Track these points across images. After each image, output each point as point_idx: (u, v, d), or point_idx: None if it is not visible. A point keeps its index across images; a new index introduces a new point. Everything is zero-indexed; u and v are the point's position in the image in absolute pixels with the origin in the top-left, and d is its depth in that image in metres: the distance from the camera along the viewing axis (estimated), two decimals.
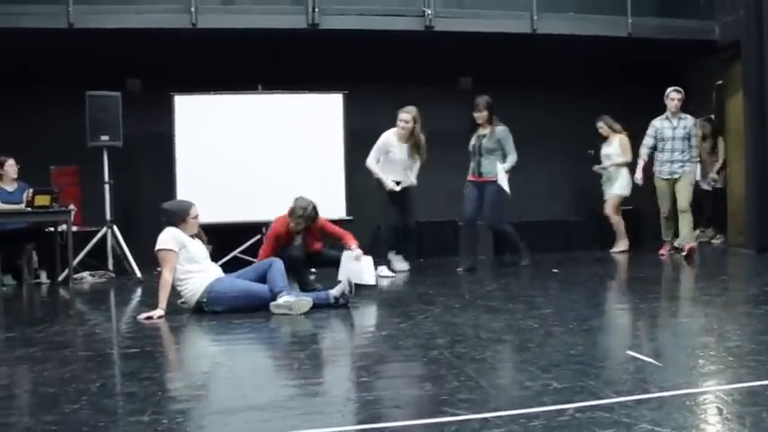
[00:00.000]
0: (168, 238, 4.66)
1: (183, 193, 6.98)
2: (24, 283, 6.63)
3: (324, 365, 3.35)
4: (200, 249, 4.79)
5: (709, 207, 8.67)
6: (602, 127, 8.27)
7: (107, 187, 7.15)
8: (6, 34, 6.86)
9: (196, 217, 4.83)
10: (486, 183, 6.69)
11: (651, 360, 2.98)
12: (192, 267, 4.66)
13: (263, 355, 3.64)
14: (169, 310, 4.57)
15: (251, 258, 6.66)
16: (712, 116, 8.63)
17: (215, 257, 5.11)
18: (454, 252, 7.73)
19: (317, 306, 4.58)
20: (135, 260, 6.98)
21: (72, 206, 6.77)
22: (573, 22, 8.17)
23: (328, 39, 7.83)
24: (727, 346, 3.27)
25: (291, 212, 5.35)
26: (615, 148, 8.17)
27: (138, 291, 6.17)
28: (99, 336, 4.14)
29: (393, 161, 6.70)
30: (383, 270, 6.35)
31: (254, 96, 7.93)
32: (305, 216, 5.33)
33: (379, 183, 6.66)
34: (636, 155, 7.79)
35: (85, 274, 6.89)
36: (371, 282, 5.41)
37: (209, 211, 5.40)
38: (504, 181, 6.62)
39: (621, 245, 8.09)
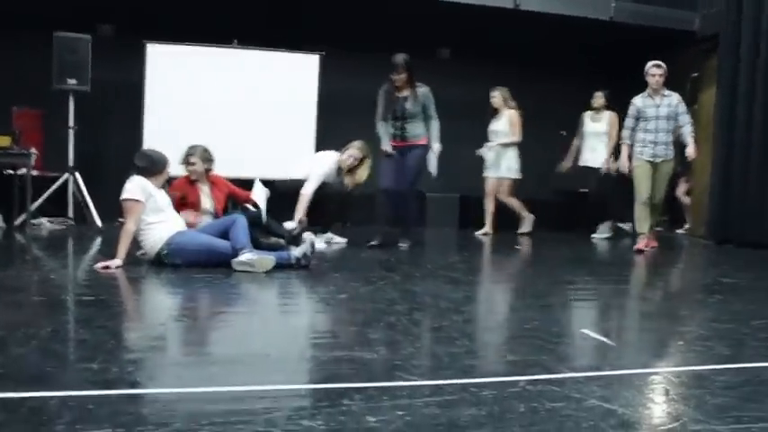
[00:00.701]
0: (135, 188, 4.56)
1: (149, 144, 6.85)
2: None
3: (280, 324, 3.34)
4: (165, 199, 4.73)
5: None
6: (495, 97, 7.76)
7: (71, 132, 7.00)
8: None
9: (168, 172, 4.79)
10: (412, 147, 6.22)
11: (604, 339, 3.02)
12: (155, 218, 4.59)
13: (220, 310, 3.61)
14: (128, 261, 4.50)
15: None
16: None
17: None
18: (420, 222, 7.78)
19: (278, 266, 4.55)
20: (96, 209, 6.87)
21: (33, 150, 6.61)
22: (555, 1, 8.15)
23: None
24: (679, 331, 3.34)
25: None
26: (504, 125, 7.73)
27: (98, 240, 6.08)
28: (53, 282, 4.07)
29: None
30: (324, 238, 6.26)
31: (229, 51, 7.81)
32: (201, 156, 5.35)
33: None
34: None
35: (44, 219, 6.78)
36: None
37: (176, 164, 5.30)
38: (433, 165, 6.25)
39: (527, 225, 7.87)
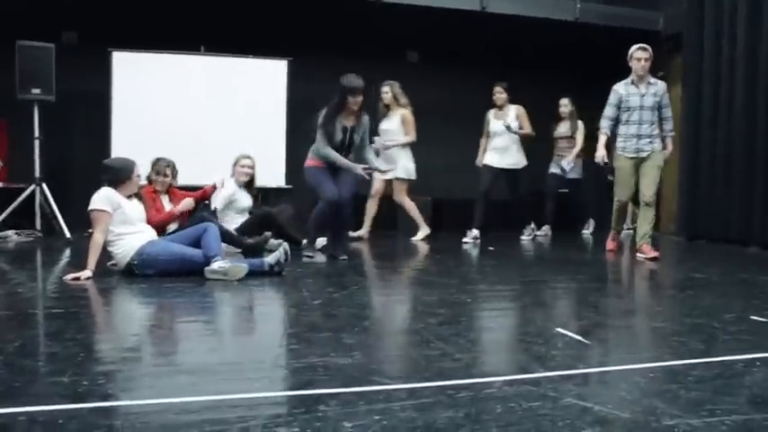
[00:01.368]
0: (101, 199, 4.50)
1: (117, 153, 6.77)
2: None
3: (254, 332, 3.31)
4: (136, 211, 4.66)
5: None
6: (386, 93, 7.30)
7: (36, 143, 6.88)
8: None
9: (138, 176, 4.71)
10: None
11: (579, 338, 3.04)
12: (125, 229, 4.53)
13: (193, 319, 3.56)
14: (98, 272, 4.44)
15: None
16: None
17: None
18: (393, 227, 7.79)
19: (251, 273, 4.52)
20: (65, 220, 6.77)
21: None
22: (522, 3, 8.21)
23: (274, 4, 7.68)
24: (653, 327, 3.37)
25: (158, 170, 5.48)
26: (396, 124, 7.32)
27: (67, 252, 5.98)
28: (21, 295, 3.98)
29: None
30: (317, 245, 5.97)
31: (196, 57, 7.76)
32: (173, 170, 5.51)
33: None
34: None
35: (10, 232, 6.66)
36: None
37: (144, 173, 5.25)
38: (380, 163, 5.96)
39: (423, 231, 7.45)
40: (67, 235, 6.64)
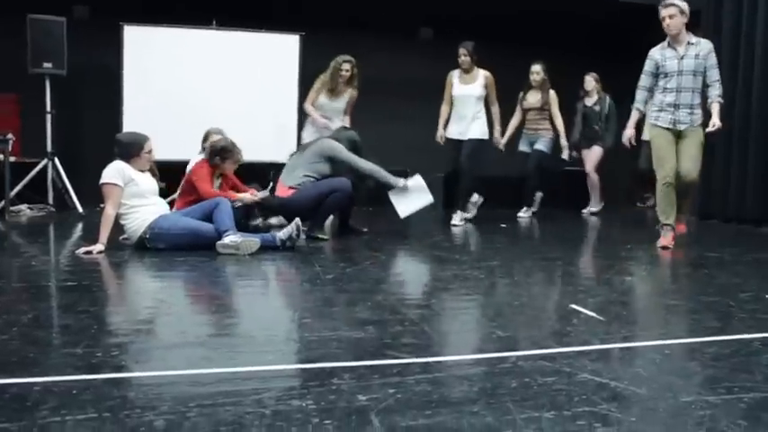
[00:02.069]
0: (113, 173, 4.49)
1: (129, 127, 6.75)
2: None
3: (267, 306, 3.30)
4: (149, 184, 4.65)
5: None
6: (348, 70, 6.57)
7: (49, 117, 6.88)
8: None
9: (150, 152, 4.66)
10: None
11: (593, 314, 3.01)
12: (137, 202, 4.53)
13: (205, 292, 3.56)
14: (110, 246, 4.44)
15: None
16: None
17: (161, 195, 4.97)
18: None
19: (263, 248, 4.51)
20: (77, 194, 6.79)
21: (10, 135, 6.50)
22: None
23: None
24: (667, 305, 3.34)
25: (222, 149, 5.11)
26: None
27: (79, 226, 5.99)
28: (35, 268, 3.99)
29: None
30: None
31: (208, 32, 7.70)
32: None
33: None
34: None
35: (23, 206, 6.67)
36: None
37: (156, 148, 5.23)
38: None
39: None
40: (80, 209, 6.65)
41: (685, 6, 5.10)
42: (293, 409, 1.84)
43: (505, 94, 8.00)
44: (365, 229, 5.80)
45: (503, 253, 5.03)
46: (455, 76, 6.78)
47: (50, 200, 6.94)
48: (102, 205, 4.59)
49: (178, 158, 6.98)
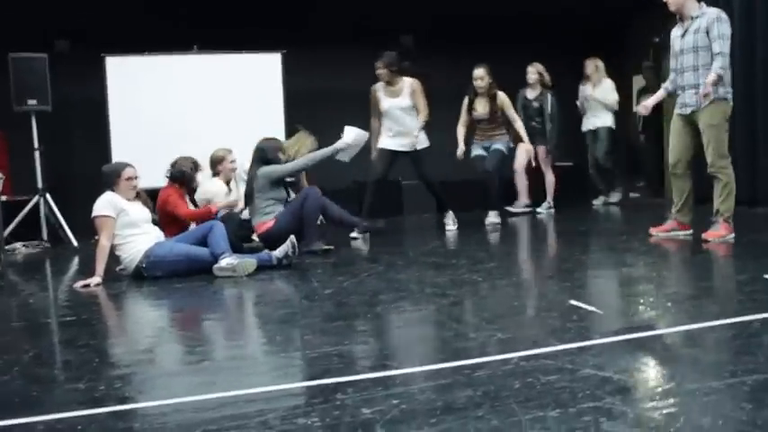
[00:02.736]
0: (104, 204, 4.50)
1: (118, 158, 6.74)
2: None
3: (267, 325, 3.30)
4: (141, 213, 4.64)
5: None
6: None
7: (37, 154, 6.86)
8: None
9: (130, 179, 4.65)
10: None
11: (592, 308, 3.02)
12: (130, 231, 4.53)
13: (205, 318, 3.56)
14: (107, 278, 4.44)
15: None
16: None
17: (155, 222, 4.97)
18: (398, 211, 7.79)
19: (259, 267, 4.51)
20: (71, 228, 6.76)
21: (0, 174, 6.48)
22: None
23: None
24: (666, 293, 3.35)
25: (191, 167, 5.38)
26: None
27: (75, 260, 5.98)
28: (33, 306, 3.99)
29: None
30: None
31: (190, 57, 7.71)
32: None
33: None
34: None
35: (18, 244, 6.64)
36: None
37: (147, 177, 5.23)
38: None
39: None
40: (74, 243, 6.64)
41: None
42: (299, 427, 1.84)
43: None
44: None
45: (497, 254, 5.04)
46: (379, 89, 6.41)
47: (44, 236, 6.92)
48: (96, 237, 4.59)
49: None
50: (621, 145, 9.00)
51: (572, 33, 8.82)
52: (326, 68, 8.16)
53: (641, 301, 3.21)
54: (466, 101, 6.80)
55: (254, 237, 5.52)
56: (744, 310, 2.83)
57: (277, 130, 7.68)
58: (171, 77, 7.58)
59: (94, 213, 4.48)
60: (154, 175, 5.59)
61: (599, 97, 8.00)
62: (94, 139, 7.43)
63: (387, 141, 6.40)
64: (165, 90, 7.53)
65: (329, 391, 2.12)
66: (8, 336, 3.27)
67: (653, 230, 5.25)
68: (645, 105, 5.11)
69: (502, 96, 6.72)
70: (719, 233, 4.80)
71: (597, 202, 8.27)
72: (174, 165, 5.40)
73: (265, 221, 5.30)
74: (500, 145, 6.75)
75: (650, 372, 2.17)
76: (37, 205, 6.82)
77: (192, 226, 5.32)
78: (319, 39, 8.01)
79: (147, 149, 6.96)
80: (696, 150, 4.94)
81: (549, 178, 7.94)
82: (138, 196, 4.73)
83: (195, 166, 5.43)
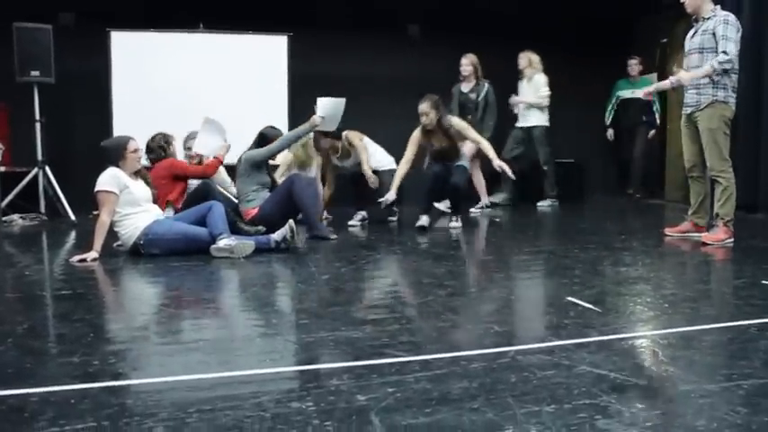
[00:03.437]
0: (108, 180, 4.47)
1: (119, 133, 6.70)
2: None
3: (263, 308, 3.29)
4: (143, 192, 4.63)
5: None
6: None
7: (38, 126, 6.83)
8: None
9: (136, 151, 4.63)
10: None
11: (590, 306, 3.01)
12: (131, 209, 4.51)
13: (201, 297, 3.55)
14: (104, 253, 4.43)
15: None
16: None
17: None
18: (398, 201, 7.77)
19: (258, 250, 4.50)
20: (69, 202, 6.74)
21: (0, 145, 6.46)
22: None
23: None
24: (664, 294, 3.34)
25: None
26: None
27: (72, 234, 5.96)
28: (28, 278, 3.97)
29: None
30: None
31: (195, 35, 7.67)
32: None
33: None
34: None
35: (15, 216, 6.63)
36: None
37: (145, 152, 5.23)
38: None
39: None
40: (72, 217, 6.62)
41: None
42: (293, 411, 1.83)
43: (499, 88, 8.02)
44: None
45: (498, 247, 5.03)
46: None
47: (42, 209, 6.90)
48: (95, 212, 4.57)
49: None
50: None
51: (577, 31, 8.79)
52: (332, 53, 8.12)
53: (639, 301, 3.20)
54: (417, 133, 5.99)
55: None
56: (741, 315, 2.83)
57: (280, 112, 7.67)
58: (175, 55, 7.55)
59: (98, 188, 4.46)
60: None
61: (530, 92, 7.81)
62: (96, 114, 7.40)
63: None
64: (168, 67, 7.50)
65: (324, 376, 2.11)
66: (2, 307, 3.25)
67: (668, 231, 5.32)
68: (646, 91, 5.29)
69: (456, 121, 6.05)
70: (718, 237, 4.83)
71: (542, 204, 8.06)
72: (151, 150, 5.40)
73: (249, 208, 5.30)
74: (463, 161, 6.11)
75: (646, 371, 2.16)
76: (36, 177, 6.80)
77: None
78: (326, 23, 7.98)
79: (148, 126, 6.87)
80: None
81: (479, 179, 7.59)
82: (139, 173, 4.71)
83: (167, 139, 5.47)
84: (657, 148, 8.82)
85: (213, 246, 4.44)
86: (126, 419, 1.78)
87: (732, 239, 4.82)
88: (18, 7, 7.00)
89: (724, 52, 4.63)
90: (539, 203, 8.03)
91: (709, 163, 4.82)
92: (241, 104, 7.54)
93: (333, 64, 8.07)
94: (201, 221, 4.61)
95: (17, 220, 6.58)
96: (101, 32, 7.31)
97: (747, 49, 6.70)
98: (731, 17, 4.75)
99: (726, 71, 4.69)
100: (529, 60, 7.85)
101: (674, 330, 2.64)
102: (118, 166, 4.53)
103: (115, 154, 4.56)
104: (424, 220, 5.93)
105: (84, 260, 4.29)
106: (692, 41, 4.89)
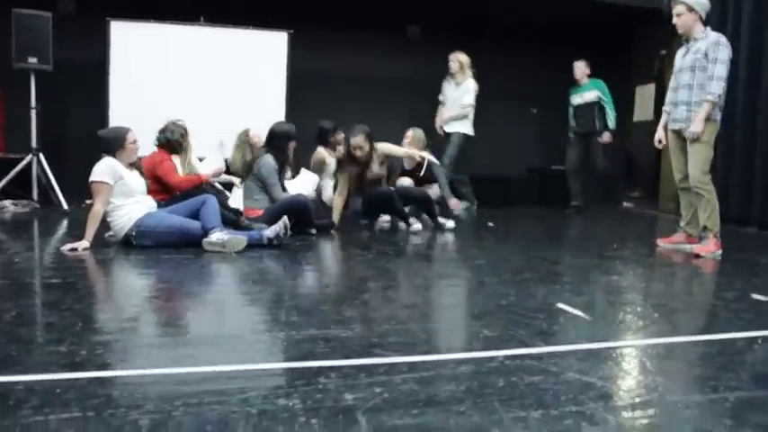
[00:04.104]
0: (104, 170, 4.44)
1: (115, 123, 6.68)
2: None
3: (253, 304, 3.28)
4: (137, 183, 4.61)
5: None
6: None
7: (33, 113, 6.81)
8: None
9: (134, 142, 4.61)
10: None
11: (580, 313, 3.02)
12: (125, 200, 4.49)
13: (191, 291, 3.54)
14: (96, 243, 4.41)
15: None
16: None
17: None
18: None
19: (250, 246, 4.49)
20: (62, 191, 6.71)
21: None
22: None
23: None
24: (653, 304, 3.35)
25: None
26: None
27: (64, 222, 5.94)
28: (18, 265, 3.95)
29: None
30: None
31: (196, 28, 7.64)
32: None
33: None
34: None
35: (7, 202, 6.60)
36: None
37: (143, 146, 5.18)
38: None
39: None
40: (64, 206, 6.59)
41: (694, 2, 4.87)
42: (279, 408, 1.83)
43: (495, 92, 8.04)
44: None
45: (490, 252, 5.03)
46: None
47: (35, 196, 6.87)
48: (88, 202, 4.54)
49: None
50: (619, 154, 9.01)
51: (579, 40, 8.80)
52: (332, 52, 8.11)
53: (628, 310, 3.21)
54: (350, 171, 5.86)
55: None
56: (730, 328, 2.84)
57: (278, 109, 7.66)
58: (175, 47, 7.52)
59: (93, 177, 4.43)
60: (149, 144, 5.54)
61: (456, 97, 7.51)
62: (92, 103, 7.37)
63: None
64: (167, 59, 7.47)
65: (312, 374, 2.11)
66: None
67: (660, 241, 5.36)
68: (660, 140, 5.19)
69: (386, 147, 5.97)
70: (709, 249, 4.88)
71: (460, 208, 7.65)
72: (163, 131, 5.32)
73: (253, 208, 5.31)
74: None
75: (633, 381, 2.17)
76: (29, 164, 6.77)
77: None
78: (327, 22, 7.97)
79: (144, 117, 6.86)
80: None
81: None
82: (134, 165, 4.69)
83: (185, 133, 5.36)
84: (621, 151, 8.70)
85: (205, 239, 4.43)
86: (112, 410, 1.78)
87: (720, 251, 4.85)
88: None
89: (716, 78, 4.76)
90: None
91: (691, 174, 4.91)
92: (238, 99, 7.53)
93: (332, 63, 8.07)
94: (194, 215, 4.60)
95: (9, 207, 6.55)
96: (101, 21, 7.28)
97: (745, 69, 6.75)
98: (722, 39, 4.87)
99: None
100: (459, 64, 7.55)
101: (663, 341, 2.64)
102: (115, 156, 4.52)
103: (115, 144, 4.54)
104: (416, 225, 5.94)
105: (75, 249, 4.27)
106: (683, 60, 5.00)
